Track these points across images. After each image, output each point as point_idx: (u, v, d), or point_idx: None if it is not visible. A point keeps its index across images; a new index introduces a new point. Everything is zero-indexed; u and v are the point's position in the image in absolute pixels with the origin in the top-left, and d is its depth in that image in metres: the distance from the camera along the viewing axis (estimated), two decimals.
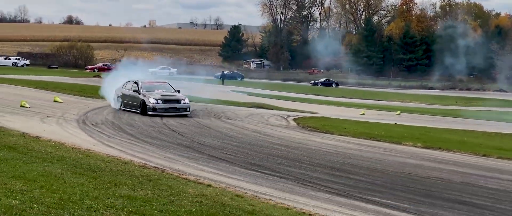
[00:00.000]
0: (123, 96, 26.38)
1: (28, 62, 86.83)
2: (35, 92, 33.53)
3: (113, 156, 14.21)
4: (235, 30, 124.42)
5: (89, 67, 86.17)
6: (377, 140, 20.53)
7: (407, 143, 19.72)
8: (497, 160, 17.11)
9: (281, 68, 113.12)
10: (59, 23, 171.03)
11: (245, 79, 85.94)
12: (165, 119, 23.50)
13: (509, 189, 12.66)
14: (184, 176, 12.24)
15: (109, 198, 9.13)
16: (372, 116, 34.17)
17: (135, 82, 26.25)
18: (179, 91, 26.45)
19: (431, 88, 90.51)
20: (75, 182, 10.21)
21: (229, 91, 53.13)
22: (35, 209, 7.72)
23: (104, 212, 8.02)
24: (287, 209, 9.93)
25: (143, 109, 24.71)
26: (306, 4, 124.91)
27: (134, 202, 8.99)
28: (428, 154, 17.84)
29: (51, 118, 21.42)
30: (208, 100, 34.90)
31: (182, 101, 25.21)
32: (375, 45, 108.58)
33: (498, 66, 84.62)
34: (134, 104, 25.53)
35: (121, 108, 26.20)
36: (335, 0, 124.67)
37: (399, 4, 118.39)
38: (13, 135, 16.22)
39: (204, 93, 38.94)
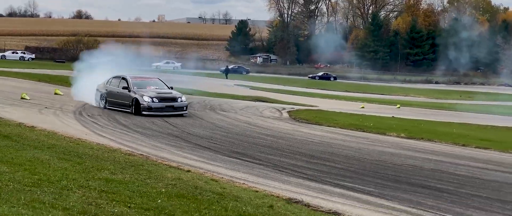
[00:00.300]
0: (109, 93, 23.87)
1: (33, 56, 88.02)
2: (37, 85, 34.35)
3: (102, 144, 14.88)
4: (242, 24, 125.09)
5: None
6: (364, 131, 21.13)
7: (391, 134, 20.32)
8: (474, 149, 17.71)
9: (288, 63, 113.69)
10: (69, 18, 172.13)
11: (250, 74, 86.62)
12: None
13: (475, 176, 13.24)
14: (167, 162, 12.88)
15: (88, 180, 9.79)
16: (372, 110, 34.64)
17: (123, 78, 23.66)
18: (171, 88, 24.00)
19: (436, 82, 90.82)
20: (59, 167, 10.87)
21: (232, 85, 53.83)
22: (10, 187, 8.40)
23: (77, 190, 8.69)
24: (257, 191, 10.55)
25: (136, 108, 22.35)
26: None
27: (110, 184, 9.65)
28: (409, 144, 18.44)
29: (49, 110, 22.17)
30: (208, 93, 35.59)
31: (179, 99, 22.94)
32: (382, 39, 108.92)
33: (503, 61, 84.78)
34: (123, 103, 23.15)
35: (107, 107, 23.83)
36: None
37: None
38: (10, 125, 16.92)
39: (206, 86, 39.65)
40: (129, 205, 8.11)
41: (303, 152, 15.62)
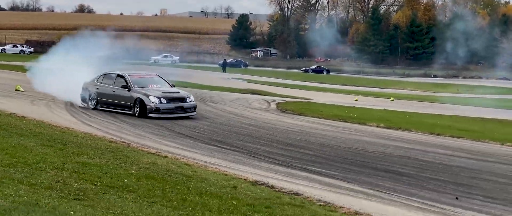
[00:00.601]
0: (102, 93, 21.51)
1: (32, 49, 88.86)
2: None
3: (88, 133, 15.53)
4: (243, 18, 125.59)
5: None
6: (346, 122, 21.72)
7: (371, 124, 20.92)
8: (447, 138, 18.31)
9: (288, 57, 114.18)
10: (71, 12, 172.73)
11: (249, 67, 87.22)
12: None
13: (440, 162, 13.86)
14: (146, 149, 13.53)
15: (64, 163, 10.43)
16: (364, 102, 35.13)
17: (119, 76, 21.32)
18: (173, 86, 22.03)
19: (435, 76, 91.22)
20: (40, 152, 11.52)
21: (229, 79, 54.38)
22: None
23: (50, 171, 9.34)
24: (226, 174, 11.18)
25: (141, 110, 19.98)
26: None
27: (85, 167, 10.30)
28: (385, 133, 19.05)
29: (41, 101, 22.83)
30: (202, 87, 36.15)
31: (188, 99, 20.80)
32: (382, 33, 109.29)
33: (503, 55, 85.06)
34: (121, 104, 20.88)
35: (98, 107, 21.54)
36: None
37: None
38: (0, 115, 17.58)
39: (202, 80, 40.19)
40: (95, 183, 8.76)
41: (280, 140, 16.25)
